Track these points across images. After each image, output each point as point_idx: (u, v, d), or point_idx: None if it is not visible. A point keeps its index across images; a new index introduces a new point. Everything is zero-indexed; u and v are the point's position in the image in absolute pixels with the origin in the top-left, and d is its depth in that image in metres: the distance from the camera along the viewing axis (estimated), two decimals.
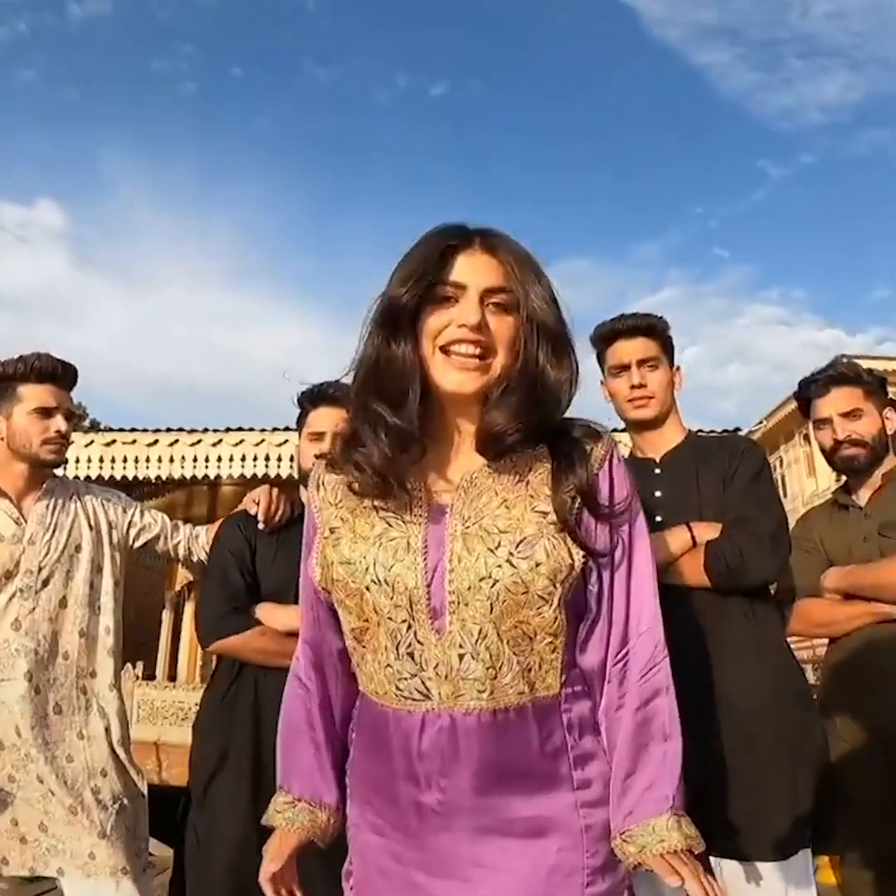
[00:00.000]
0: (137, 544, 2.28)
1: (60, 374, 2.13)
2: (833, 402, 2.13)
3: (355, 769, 1.13)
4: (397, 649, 1.03)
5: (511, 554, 1.00)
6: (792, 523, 1.92)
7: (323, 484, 1.15)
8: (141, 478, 6.94)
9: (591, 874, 1.00)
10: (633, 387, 1.89)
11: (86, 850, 1.93)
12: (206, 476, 6.90)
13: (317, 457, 1.78)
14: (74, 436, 7.76)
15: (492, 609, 1.00)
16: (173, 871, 2.07)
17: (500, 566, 1.00)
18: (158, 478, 6.98)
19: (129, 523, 2.27)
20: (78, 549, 2.13)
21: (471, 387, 1.04)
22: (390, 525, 1.05)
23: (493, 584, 1.00)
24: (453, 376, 1.04)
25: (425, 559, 1.02)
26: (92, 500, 2.23)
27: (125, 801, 2.03)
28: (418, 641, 1.02)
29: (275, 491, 2.09)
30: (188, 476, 6.89)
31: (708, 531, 1.73)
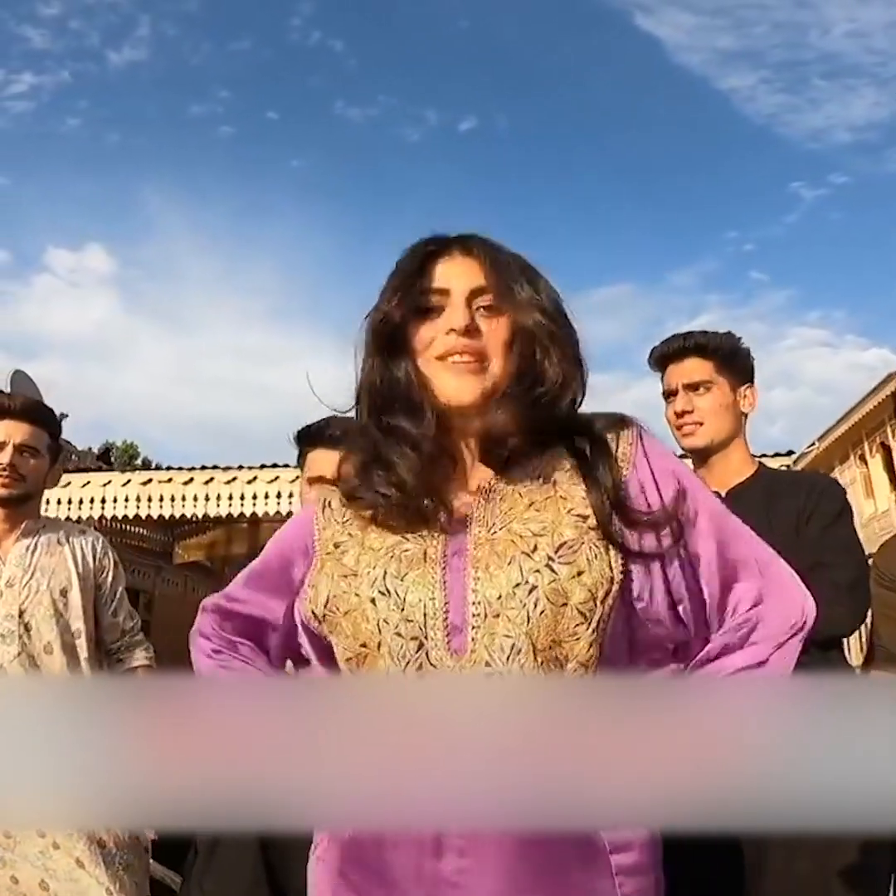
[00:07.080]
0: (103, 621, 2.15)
1: (6, 408, 2.09)
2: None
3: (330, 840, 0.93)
4: (404, 672, 0.89)
5: (550, 558, 0.88)
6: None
7: (330, 505, 1.04)
8: (178, 516, 6.96)
9: None
10: (676, 414, 1.74)
11: None
12: (242, 514, 6.88)
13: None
14: (111, 476, 7.68)
15: (528, 619, 0.87)
16: None
17: (538, 571, 0.88)
18: (195, 516, 6.98)
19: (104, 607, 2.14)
20: (63, 593, 2.04)
21: (469, 395, 0.95)
22: (405, 538, 0.95)
23: (531, 591, 0.87)
24: (451, 384, 0.96)
25: (444, 569, 0.91)
26: (82, 545, 2.14)
27: (130, 859, 1.95)
28: (431, 664, 0.88)
29: None
30: (224, 514, 6.90)
31: None
